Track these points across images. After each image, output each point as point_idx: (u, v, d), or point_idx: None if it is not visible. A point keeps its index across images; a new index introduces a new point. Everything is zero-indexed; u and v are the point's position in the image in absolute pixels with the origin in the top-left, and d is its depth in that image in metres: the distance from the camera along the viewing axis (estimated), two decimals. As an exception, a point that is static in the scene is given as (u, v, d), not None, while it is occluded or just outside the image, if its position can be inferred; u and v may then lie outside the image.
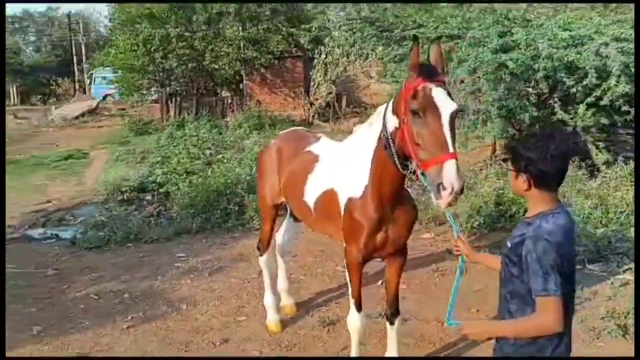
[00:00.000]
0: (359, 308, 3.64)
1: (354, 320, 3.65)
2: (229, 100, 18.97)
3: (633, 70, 7.46)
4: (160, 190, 8.99)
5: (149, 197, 9.12)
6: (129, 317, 4.96)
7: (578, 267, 5.76)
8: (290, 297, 5.06)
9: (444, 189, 2.72)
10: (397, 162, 3.11)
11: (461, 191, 2.72)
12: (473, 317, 4.74)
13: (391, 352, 3.78)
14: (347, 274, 3.64)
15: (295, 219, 4.80)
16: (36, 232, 7.61)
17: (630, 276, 5.54)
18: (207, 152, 11.57)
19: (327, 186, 3.70)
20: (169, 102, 18.66)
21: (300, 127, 5.05)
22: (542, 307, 2.19)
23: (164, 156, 11.46)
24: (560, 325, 2.19)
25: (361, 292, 3.66)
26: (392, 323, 3.73)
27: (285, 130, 5.00)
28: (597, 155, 8.19)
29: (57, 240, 7.23)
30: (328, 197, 3.68)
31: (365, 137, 3.41)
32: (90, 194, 9.61)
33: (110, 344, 4.51)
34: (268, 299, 4.77)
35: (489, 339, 2.44)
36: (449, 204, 2.74)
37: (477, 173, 8.03)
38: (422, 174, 2.87)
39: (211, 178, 8.15)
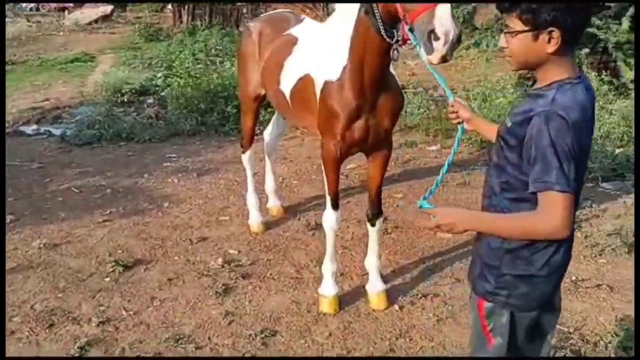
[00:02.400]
0: (335, 206, 3.32)
1: (329, 218, 3.34)
2: (244, 10, 18.16)
3: None
4: (162, 93, 8.69)
5: (150, 100, 8.82)
6: (107, 212, 4.77)
7: (590, 184, 5.43)
8: (277, 199, 4.80)
9: (437, 38, 2.28)
10: (381, 28, 2.66)
11: (458, 41, 2.28)
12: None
13: (371, 254, 3.50)
14: (323, 168, 3.31)
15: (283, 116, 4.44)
16: (29, 129, 7.37)
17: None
18: (217, 60, 11.15)
19: (304, 71, 3.29)
20: (182, 8, 17.92)
21: (283, 9, 4.62)
22: (550, 204, 1.70)
23: (171, 60, 11.08)
24: (569, 229, 1.72)
25: (338, 189, 3.33)
26: (373, 224, 3.42)
27: (267, 12, 4.53)
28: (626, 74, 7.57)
29: (48, 137, 7.01)
30: (304, 84, 3.28)
31: (346, 10, 2.96)
32: (91, 95, 9.31)
33: (83, 235, 4.33)
34: (251, 199, 4.51)
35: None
36: (443, 59, 2.31)
37: (494, 85, 7.49)
38: (410, 29, 2.42)
39: (209, 79, 7.77)
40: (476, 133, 6.37)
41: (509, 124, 1.85)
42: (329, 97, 3.04)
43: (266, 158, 4.77)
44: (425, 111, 7.09)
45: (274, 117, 4.74)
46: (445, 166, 2.18)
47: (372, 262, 3.48)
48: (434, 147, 6.44)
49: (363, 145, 3.16)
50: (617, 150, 6.12)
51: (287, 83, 3.50)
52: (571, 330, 3.22)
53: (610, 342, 3.07)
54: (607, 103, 6.86)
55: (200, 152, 6.38)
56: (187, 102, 7.44)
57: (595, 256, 4.09)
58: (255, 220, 4.46)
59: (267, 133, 4.75)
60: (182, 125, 7.09)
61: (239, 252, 4.14)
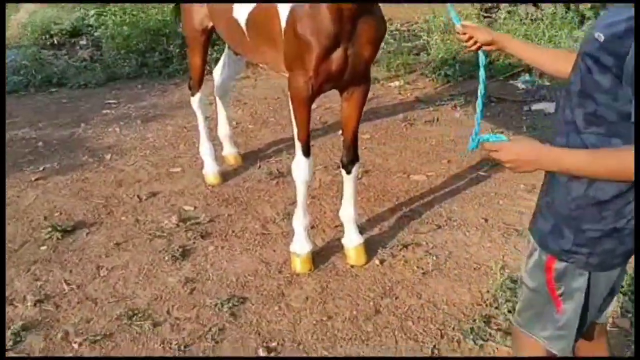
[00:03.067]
0: (306, 153, 2.89)
1: (300, 167, 2.92)
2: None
3: None
4: (96, 33, 7.89)
5: (83, 42, 8.01)
6: (40, 168, 4.21)
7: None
8: (233, 146, 4.34)
9: None
10: None
11: None
12: (444, 168, 4.13)
13: (347, 205, 3.12)
14: (291, 110, 2.86)
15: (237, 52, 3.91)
16: (-56, 77, 6.51)
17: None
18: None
19: None
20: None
21: None
22: None
23: (103, -1, 10.12)
24: None
25: (309, 133, 2.90)
26: (349, 172, 3.02)
27: None
28: None
29: (-33, 86, 6.20)
30: (264, 11, 2.77)
31: None
32: (15, 38, 8.37)
33: (12, 197, 3.78)
34: (204, 147, 4.02)
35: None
36: None
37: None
38: None
39: (147, 16, 7.03)
40: (438, 65, 6.13)
41: (602, 38, 1.42)
42: (299, 25, 2.55)
43: (217, 101, 4.26)
44: (384, 45, 6.64)
45: (224, 54, 4.20)
46: (480, 99, 1.83)
47: (348, 214, 3.11)
48: (396, 83, 6.05)
49: (339, 81, 2.72)
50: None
51: (241, 11, 2.97)
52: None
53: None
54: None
55: (143, 97, 5.77)
56: (124, 42, 6.74)
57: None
58: (210, 170, 4.00)
59: (217, 73, 4.21)
60: (120, 67, 6.44)
61: (195, 208, 3.70)
